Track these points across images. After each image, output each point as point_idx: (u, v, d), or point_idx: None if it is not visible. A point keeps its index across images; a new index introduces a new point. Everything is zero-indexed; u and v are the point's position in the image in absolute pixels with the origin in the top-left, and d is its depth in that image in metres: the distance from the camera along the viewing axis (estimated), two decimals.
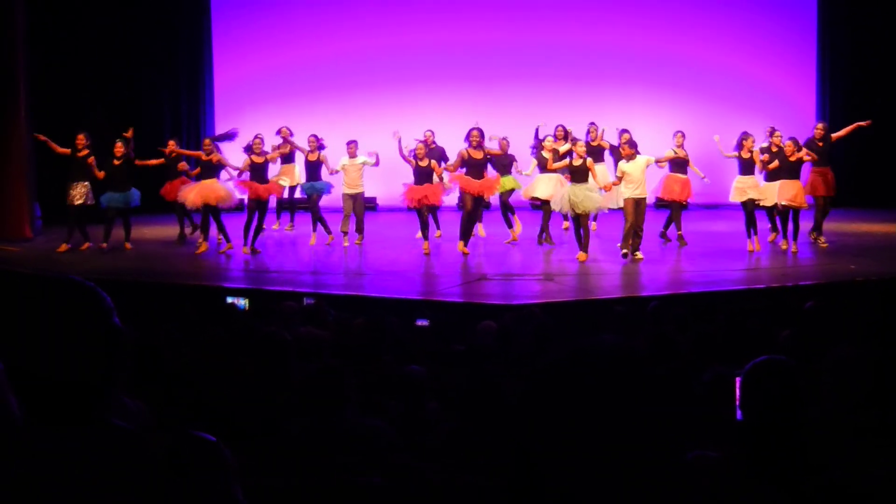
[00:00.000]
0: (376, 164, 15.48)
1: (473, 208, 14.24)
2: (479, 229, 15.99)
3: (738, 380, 3.43)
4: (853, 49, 20.65)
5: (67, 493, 1.88)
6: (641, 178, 13.58)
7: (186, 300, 10.02)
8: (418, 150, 14.53)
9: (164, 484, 1.91)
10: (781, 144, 14.30)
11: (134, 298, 9.81)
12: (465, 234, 14.25)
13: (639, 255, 13.56)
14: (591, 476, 1.63)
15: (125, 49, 19.93)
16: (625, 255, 13.59)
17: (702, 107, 20.16)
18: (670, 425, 1.66)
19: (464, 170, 14.22)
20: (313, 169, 15.80)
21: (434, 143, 15.92)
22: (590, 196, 13.67)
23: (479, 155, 14.11)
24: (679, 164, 15.11)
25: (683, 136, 15.14)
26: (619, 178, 13.74)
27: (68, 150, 15.09)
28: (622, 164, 13.73)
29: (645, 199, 13.70)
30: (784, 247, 14.36)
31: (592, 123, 16.43)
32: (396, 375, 6.32)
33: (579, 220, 13.73)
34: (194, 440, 2.00)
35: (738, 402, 3.37)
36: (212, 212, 14.80)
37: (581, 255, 13.66)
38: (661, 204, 16.70)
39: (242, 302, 9.73)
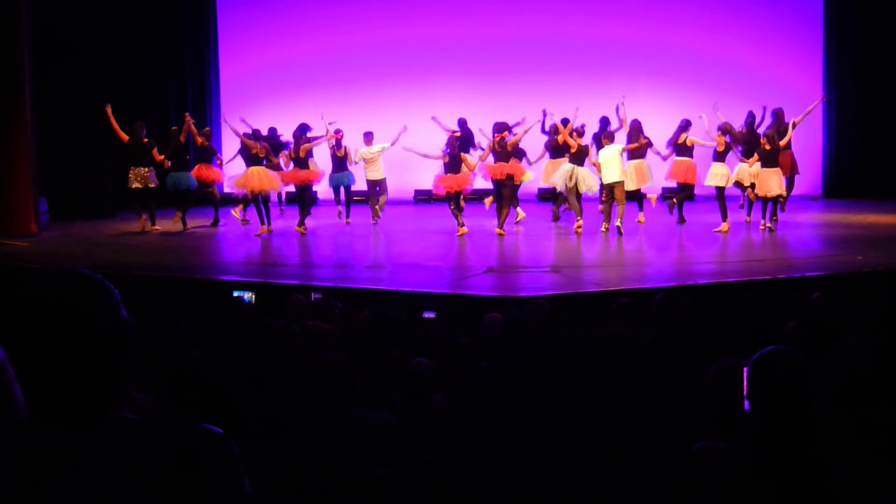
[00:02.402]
0: (392, 143, 17.04)
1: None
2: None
3: (745, 370, 3.43)
4: (859, 40, 20.61)
5: (76, 486, 1.89)
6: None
7: (194, 294, 10.03)
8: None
9: (172, 476, 1.92)
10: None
11: (141, 292, 9.83)
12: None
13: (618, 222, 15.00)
14: (597, 467, 1.63)
15: (131, 43, 19.93)
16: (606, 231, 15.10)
17: (707, 98, 20.07)
18: (676, 416, 1.66)
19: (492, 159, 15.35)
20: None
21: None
22: (591, 176, 15.30)
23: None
24: (683, 149, 15.73)
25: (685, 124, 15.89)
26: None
27: (126, 137, 16.10)
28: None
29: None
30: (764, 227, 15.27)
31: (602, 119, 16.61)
32: (402, 368, 6.33)
33: (579, 196, 15.33)
34: (202, 433, 2.00)
35: (745, 393, 3.36)
36: (259, 198, 16.04)
37: (578, 226, 15.22)
38: (667, 196, 17.15)
39: (248, 295, 9.74)
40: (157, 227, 16.32)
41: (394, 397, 5.87)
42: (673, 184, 16.61)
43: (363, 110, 20.16)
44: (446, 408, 5.71)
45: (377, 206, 17.36)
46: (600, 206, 16.02)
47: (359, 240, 15.49)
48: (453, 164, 15.37)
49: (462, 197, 15.69)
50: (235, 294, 9.81)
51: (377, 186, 17.35)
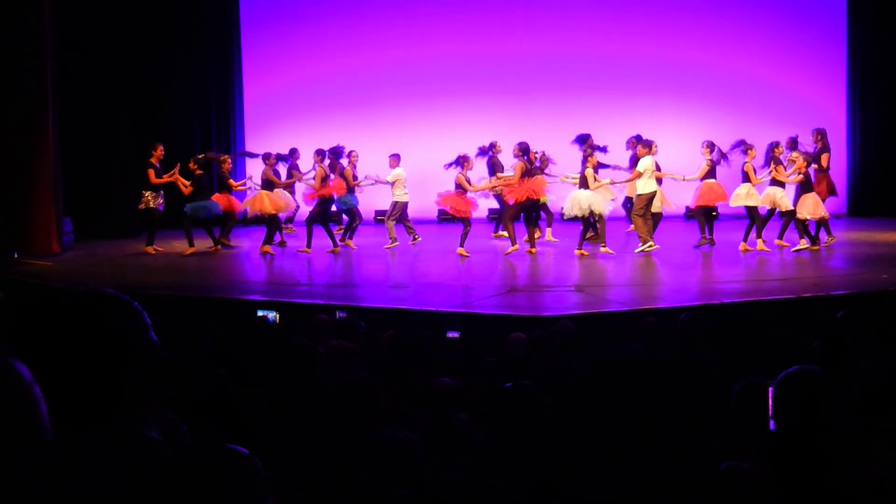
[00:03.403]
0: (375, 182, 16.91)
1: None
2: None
3: (770, 390, 3.41)
4: (883, 57, 20.52)
5: None
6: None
7: (218, 313, 10.06)
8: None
9: (197, 497, 1.92)
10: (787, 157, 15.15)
11: (165, 312, 9.86)
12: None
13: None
14: (622, 486, 1.63)
15: (154, 65, 19.99)
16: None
17: (731, 116, 20.08)
18: (701, 435, 1.66)
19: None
20: None
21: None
22: (597, 198, 14.98)
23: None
24: (710, 171, 15.46)
25: (706, 145, 15.56)
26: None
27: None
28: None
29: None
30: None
31: (634, 138, 16.55)
32: (426, 387, 6.32)
33: (600, 218, 15.10)
34: (227, 453, 2.01)
35: (770, 413, 3.34)
36: (270, 220, 16.16)
37: (606, 249, 14.91)
38: (690, 215, 17.11)
39: (273, 315, 9.78)
40: (157, 248, 16.29)
41: (417, 416, 5.87)
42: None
43: (386, 130, 20.19)
44: (471, 426, 5.70)
45: (411, 234, 16.71)
46: (630, 227, 15.87)
47: (382, 260, 15.50)
48: (456, 184, 15.43)
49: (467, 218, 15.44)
50: (260, 314, 9.85)
51: (406, 209, 16.70)
